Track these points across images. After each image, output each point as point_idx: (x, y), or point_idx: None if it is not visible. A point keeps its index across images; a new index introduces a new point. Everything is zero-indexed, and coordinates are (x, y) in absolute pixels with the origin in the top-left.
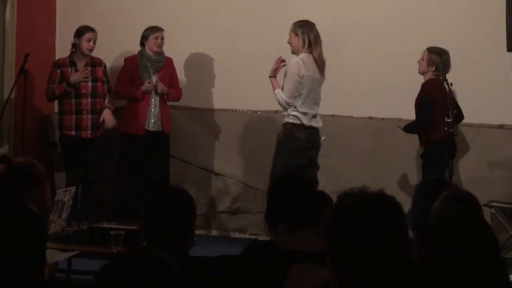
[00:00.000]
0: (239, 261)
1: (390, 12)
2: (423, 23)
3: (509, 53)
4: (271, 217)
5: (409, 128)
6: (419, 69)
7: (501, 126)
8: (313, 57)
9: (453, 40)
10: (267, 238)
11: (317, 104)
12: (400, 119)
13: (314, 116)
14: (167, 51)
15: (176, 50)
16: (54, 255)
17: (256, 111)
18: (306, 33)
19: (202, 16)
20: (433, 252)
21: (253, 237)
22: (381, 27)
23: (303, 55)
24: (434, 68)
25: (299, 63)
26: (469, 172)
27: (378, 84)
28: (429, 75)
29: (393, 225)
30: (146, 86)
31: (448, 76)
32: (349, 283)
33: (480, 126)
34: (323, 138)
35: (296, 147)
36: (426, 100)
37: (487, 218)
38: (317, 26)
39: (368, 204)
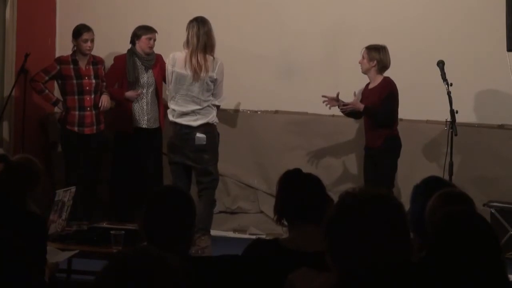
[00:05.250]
0: (241, 259)
1: (390, 13)
2: (423, 23)
3: (509, 53)
4: (279, 210)
5: (368, 113)
6: (361, 68)
7: (501, 126)
8: (187, 55)
9: (453, 41)
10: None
11: (195, 102)
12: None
13: (186, 113)
14: (168, 51)
15: (176, 50)
16: (54, 255)
17: (256, 111)
18: (187, 30)
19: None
20: (433, 252)
21: (253, 237)
22: (380, 28)
23: (179, 52)
24: (375, 63)
25: (169, 58)
26: (469, 172)
27: None
28: (373, 72)
29: (394, 226)
30: (131, 94)
31: (448, 76)
32: (349, 282)
33: (480, 126)
34: (198, 135)
35: (168, 144)
36: (393, 95)
37: (487, 218)
38: (318, 27)
39: (369, 204)
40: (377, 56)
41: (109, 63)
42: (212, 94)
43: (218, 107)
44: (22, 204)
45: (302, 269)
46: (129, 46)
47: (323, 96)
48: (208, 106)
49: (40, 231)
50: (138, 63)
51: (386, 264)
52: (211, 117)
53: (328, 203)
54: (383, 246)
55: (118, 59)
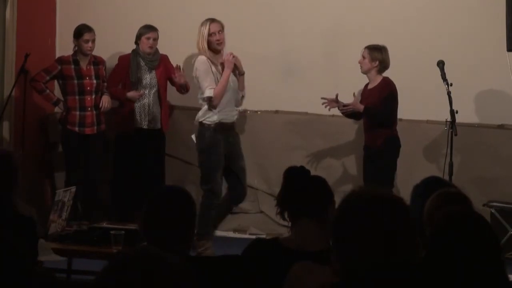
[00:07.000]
0: (241, 259)
1: (390, 13)
2: (423, 23)
3: (509, 53)
4: (281, 204)
5: (368, 113)
6: (362, 68)
7: (501, 126)
8: None
9: (453, 41)
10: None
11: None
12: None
13: None
14: (168, 51)
15: (177, 50)
16: None
17: (256, 111)
18: None
19: (203, 16)
20: (432, 252)
21: (253, 237)
22: (380, 28)
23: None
24: (377, 63)
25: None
26: (469, 172)
27: None
28: (374, 72)
29: (400, 226)
30: (133, 94)
31: (448, 76)
32: (354, 281)
33: (480, 126)
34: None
35: None
36: (393, 95)
37: (487, 218)
38: (318, 27)
39: (375, 204)
40: (380, 56)
41: (109, 63)
42: None
43: (209, 102)
44: (10, 203)
45: (305, 262)
46: (130, 46)
47: (323, 98)
48: (201, 104)
49: (30, 232)
50: (142, 63)
51: (390, 264)
52: (201, 115)
53: (331, 203)
54: (387, 246)
55: (122, 59)
